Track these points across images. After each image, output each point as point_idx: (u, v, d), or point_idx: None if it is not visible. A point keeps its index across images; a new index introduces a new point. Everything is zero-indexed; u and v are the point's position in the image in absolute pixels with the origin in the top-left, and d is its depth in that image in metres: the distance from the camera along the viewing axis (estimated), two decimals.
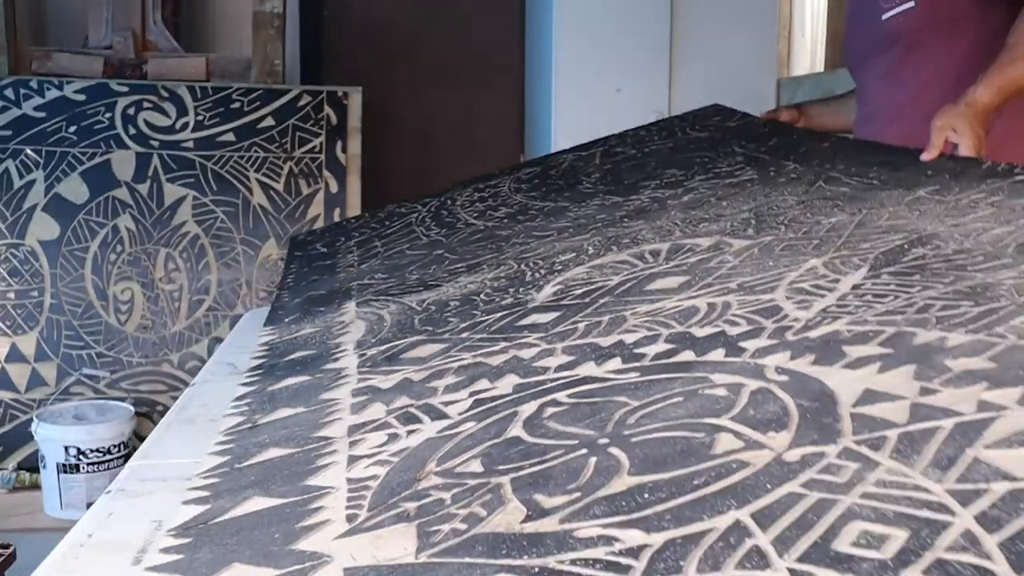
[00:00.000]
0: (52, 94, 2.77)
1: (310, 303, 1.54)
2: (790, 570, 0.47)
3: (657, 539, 0.52)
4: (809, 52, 3.45)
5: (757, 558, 0.48)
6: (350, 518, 0.67)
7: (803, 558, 0.48)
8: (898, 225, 1.11)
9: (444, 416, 0.86)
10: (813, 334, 0.81)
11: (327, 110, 2.88)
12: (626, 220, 1.50)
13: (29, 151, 2.74)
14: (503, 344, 1.03)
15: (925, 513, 0.49)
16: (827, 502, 0.52)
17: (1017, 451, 0.53)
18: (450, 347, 1.07)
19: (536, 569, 0.52)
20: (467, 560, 0.55)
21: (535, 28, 3.28)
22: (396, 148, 3.31)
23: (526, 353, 0.98)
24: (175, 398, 2.71)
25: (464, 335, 1.11)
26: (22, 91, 2.76)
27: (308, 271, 1.86)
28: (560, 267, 1.31)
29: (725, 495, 0.56)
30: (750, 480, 0.57)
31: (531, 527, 0.57)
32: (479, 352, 1.02)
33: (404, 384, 0.98)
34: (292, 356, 1.23)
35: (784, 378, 0.73)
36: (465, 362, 1.00)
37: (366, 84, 2.97)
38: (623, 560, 0.51)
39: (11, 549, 1.36)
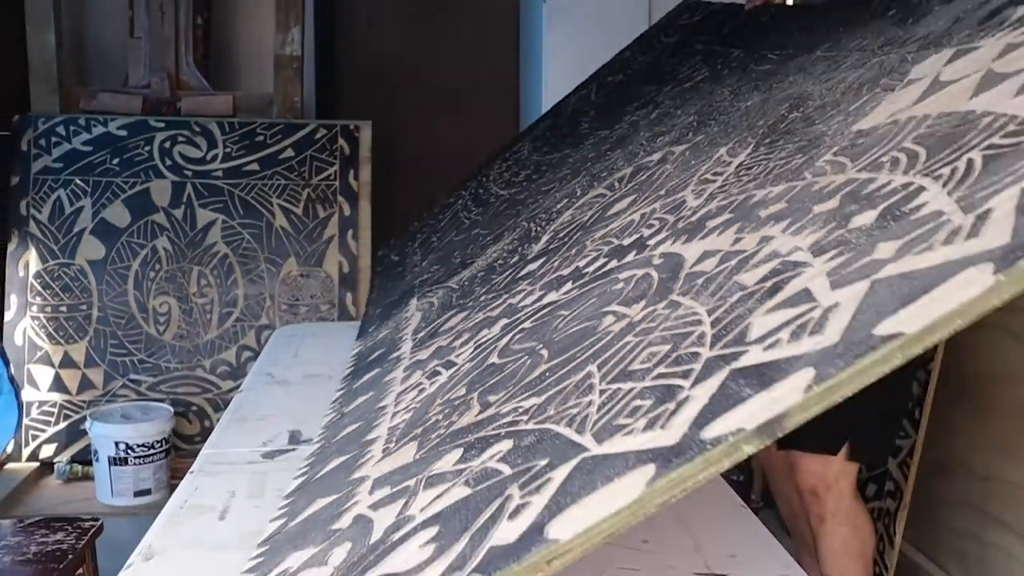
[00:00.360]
0: (98, 130, 3.13)
1: (387, 309, 1.74)
2: (601, 390, 0.73)
3: (543, 399, 0.80)
4: None
5: (587, 387, 0.75)
6: (384, 451, 0.99)
7: (612, 380, 0.73)
8: (790, 93, 1.16)
9: (454, 364, 1.10)
10: (694, 217, 0.94)
11: (341, 142, 3.22)
12: (608, 152, 1.55)
13: (78, 181, 3.09)
14: (504, 297, 1.20)
15: (686, 329, 0.72)
16: (639, 342, 0.76)
17: (758, 271, 0.73)
18: (471, 311, 1.28)
19: (473, 439, 0.81)
20: (441, 448, 0.85)
21: (528, 57, 3.61)
22: (402, 173, 3.64)
23: (515, 300, 1.15)
24: (208, 399, 3.08)
25: (482, 299, 1.27)
26: (72, 128, 3.11)
27: (386, 282, 2.05)
28: (555, 215, 1.40)
29: (589, 358, 0.80)
30: (608, 342, 0.81)
31: (480, 417, 0.86)
32: (487, 308, 1.21)
33: (436, 351, 1.22)
34: (371, 357, 1.48)
35: (660, 260, 0.88)
36: (477, 320, 1.19)
37: (374, 115, 3.31)
38: (523, 419, 0.79)
39: (100, 522, 1.69)
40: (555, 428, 0.73)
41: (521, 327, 1.03)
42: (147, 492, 2.80)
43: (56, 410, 3.01)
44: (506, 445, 0.76)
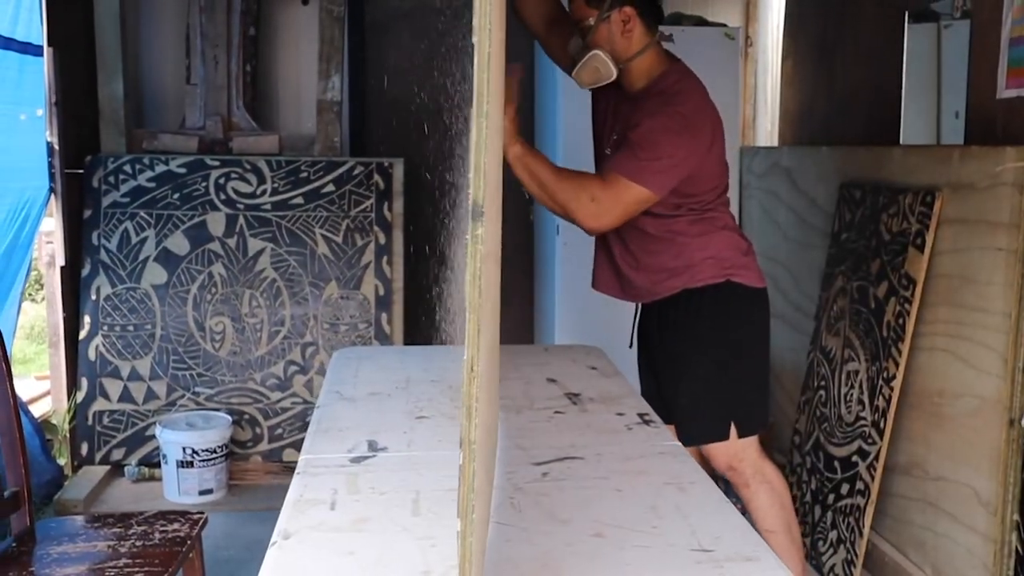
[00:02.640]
0: (160, 168, 3.50)
1: None
2: None
3: None
4: (770, 119, 4.14)
5: None
6: None
7: None
8: None
9: None
10: None
11: (376, 177, 3.59)
12: None
13: (143, 214, 3.46)
14: None
15: None
16: None
17: None
18: None
19: None
20: None
21: (544, 94, 3.95)
22: (424, 204, 4.01)
23: None
24: (259, 409, 3.45)
25: None
26: (137, 166, 3.49)
27: None
28: None
29: None
30: None
31: None
32: None
33: None
34: None
35: None
36: None
37: (399, 151, 3.68)
38: None
39: (205, 515, 2.04)
40: None
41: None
42: (210, 491, 3.17)
43: (124, 418, 3.38)
44: None
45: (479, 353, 0.91)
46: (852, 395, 2.67)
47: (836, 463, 2.71)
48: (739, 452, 2.27)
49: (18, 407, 1.96)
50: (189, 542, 1.89)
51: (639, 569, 1.24)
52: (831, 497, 2.71)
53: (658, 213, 2.17)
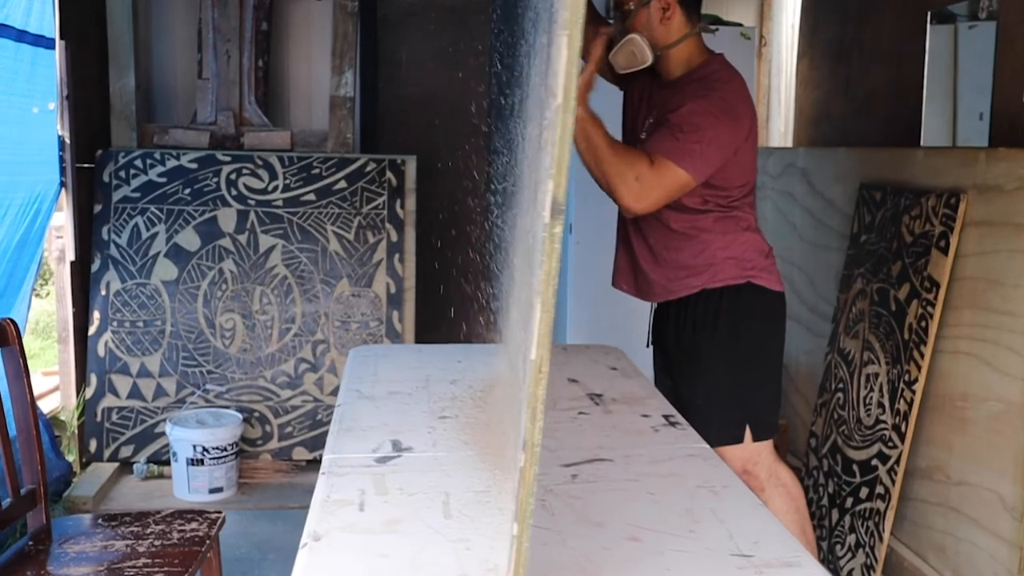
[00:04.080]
0: (171, 163, 3.47)
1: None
2: None
3: None
4: (784, 120, 4.12)
5: None
6: None
7: None
8: None
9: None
10: None
11: (388, 174, 3.57)
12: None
13: (154, 209, 3.44)
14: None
15: None
16: None
17: None
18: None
19: None
20: None
21: None
22: (437, 201, 3.99)
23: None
24: (269, 407, 3.42)
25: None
26: (148, 161, 3.46)
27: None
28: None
29: None
30: None
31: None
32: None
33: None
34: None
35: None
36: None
37: (410, 148, 3.65)
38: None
39: (223, 514, 2.02)
40: None
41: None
42: (220, 489, 3.15)
43: (133, 415, 3.35)
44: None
45: (547, 354, 0.89)
46: (872, 398, 2.65)
47: (855, 466, 2.68)
48: (754, 455, 2.24)
49: (35, 404, 1.93)
50: (208, 541, 1.87)
51: (679, 574, 1.21)
52: (849, 501, 2.69)
53: (685, 207, 2.15)
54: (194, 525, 1.93)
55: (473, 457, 1.71)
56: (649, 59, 2.14)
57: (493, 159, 2.74)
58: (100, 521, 1.97)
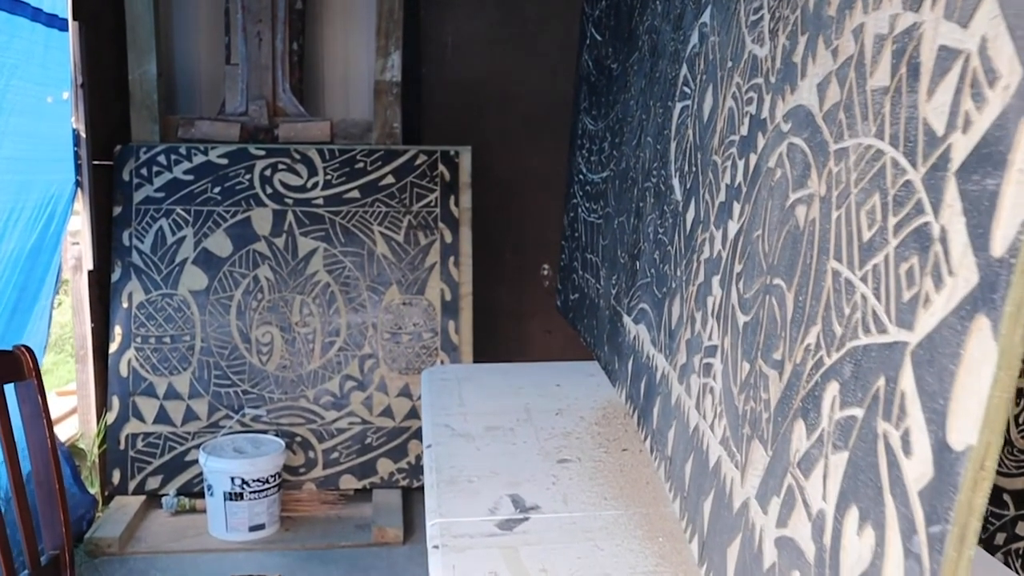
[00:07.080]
0: (199, 159, 3.10)
1: (611, 342, 1.85)
2: (860, 278, 0.76)
3: (820, 324, 0.82)
4: None
5: (843, 284, 0.78)
6: (737, 466, 0.98)
7: (855, 264, 0.69)
8: None
9: (714, 348, 1.17)
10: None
11: (441, 168, 3.19)
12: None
13: (180, 211, 3.06)
14: (692, 256, 1.32)
15: (875, 170, 0.77)
16: (845, 212, 0.80)
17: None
18: (680, 290, 1.36)
19: (799, 404, 0.81)
20: (781, 431, 0.88)
21: None
22: (489, 198, 3.60)
23: (704, 253, 1.30)
24: (312, 430, 3.04)
25: (678, 273, 1.37)
26: (173, 157, 3.09)
27: (583, 321, 2.14)
28: (661, 153, 1.58)
29: (819, 255, 0.85)
30: (820, 229, 0.85)
31: (785, 379, 0.89)
32: (690, 278, 1.32)
33: (688, 346, 1.28)
34: (642, 393, 1.56)
35: (788, 125, 1.03)
36: (692, 292, 1.28)
37: (459, 139, 3.27)
38: (823, 354, 0.80)
39: None
40: (860, 342, 0.71)
41: (734, 272, 1.05)
42: (261, 527, 2.78)
43: (161, 442, 2.98)
44: (833, 388, 0.75)
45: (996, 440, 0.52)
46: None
47: (1006, 496, 2.30)
48: None
49: (58, 453, 1.57)
50: None
51: None
52: (999, 537, 2.30)
53: None
54: None
55: (621, 518, 1.35)
56: None
57: (584, 148, 2.38)
58: None
